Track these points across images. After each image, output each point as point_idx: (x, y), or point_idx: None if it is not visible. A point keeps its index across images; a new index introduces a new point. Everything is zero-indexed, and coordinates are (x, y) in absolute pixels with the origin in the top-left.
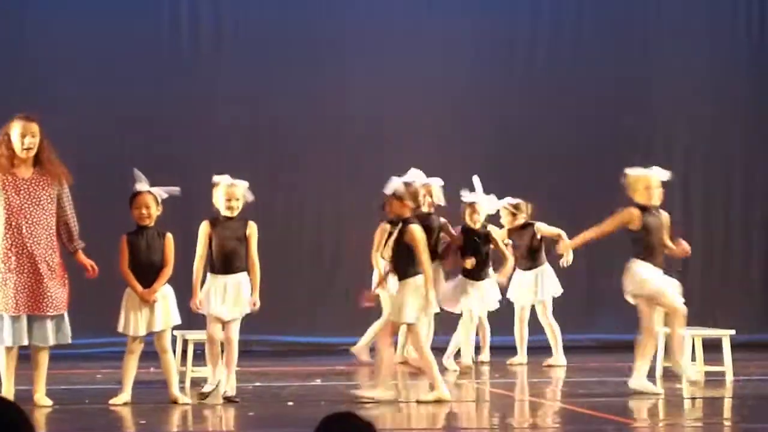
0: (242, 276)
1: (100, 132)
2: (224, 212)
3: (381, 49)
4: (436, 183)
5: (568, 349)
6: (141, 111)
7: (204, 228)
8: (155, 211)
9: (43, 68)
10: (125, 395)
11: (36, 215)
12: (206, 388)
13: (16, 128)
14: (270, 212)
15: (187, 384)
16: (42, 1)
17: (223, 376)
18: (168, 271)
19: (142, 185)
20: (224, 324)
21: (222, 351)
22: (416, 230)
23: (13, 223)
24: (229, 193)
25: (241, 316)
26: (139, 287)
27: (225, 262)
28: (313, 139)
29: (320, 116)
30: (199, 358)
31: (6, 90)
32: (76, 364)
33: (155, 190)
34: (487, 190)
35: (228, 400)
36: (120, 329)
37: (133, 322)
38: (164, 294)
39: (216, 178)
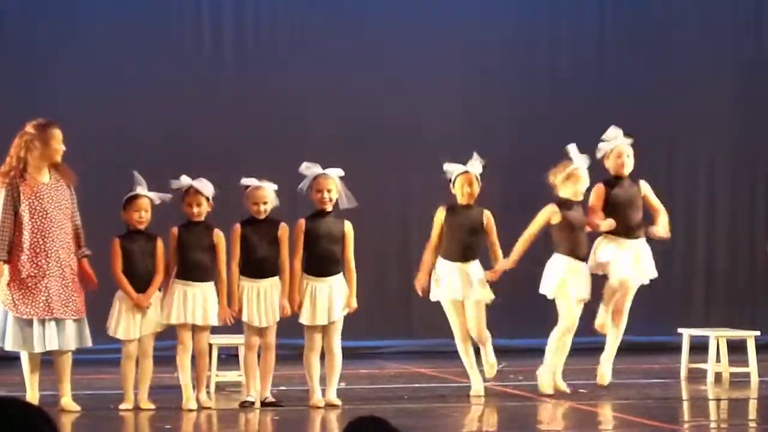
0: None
1: (117, 135)
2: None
3: (405, 49)
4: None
5: (593, 351)
6: (159, 114)
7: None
8: (150, 215)
9: (60, 70)
10: (129, 399)
11: (58, 219)
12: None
13: (55, 135)
14: (291, 216)
15: (212, 388)
16: (59, 2)
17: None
18: (161, 275)
19: (142, 189)
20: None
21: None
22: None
23: (39, 229)
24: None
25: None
26: (134, 293)
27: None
28: (337, 140)
29: (345, 116)
30: (223, 362)
31: (22, 91)
32: (100, 369)
33: (151, 194)
34: (509, 191)
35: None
36: (110, 333)
37: (124, 325)
38: (155, 299)
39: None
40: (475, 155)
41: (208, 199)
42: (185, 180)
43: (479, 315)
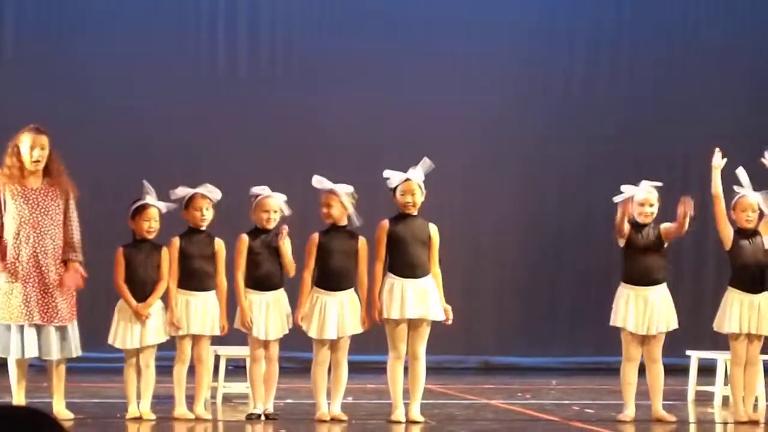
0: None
1: (128, 144)
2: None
3: (414, 68)
4: None
5: (600, 371)
6: (173, 128)
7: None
8: (159, 225)
9: (83, 84)
10: (133, 408)
11: (44, 225)
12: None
13: (26, 140)
14: (302, 225)
15: (218, 400)
16: (74, 16)
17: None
18: (164, 285)
19: (151, 198)
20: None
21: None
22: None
23: (22, 233)
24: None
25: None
26: (133, 301)
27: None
28: (349, 156)
29: (357, 131)
30: (231, 374)
31: (41, 103)
32: (109, 377)
33: (159, 204)
34: (520, 210)
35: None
36: (110, 341)
37: (122, 335)
38: (156, 309)
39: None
40: (424, 161)
41: (213, 205)
42: (184, 190)
43: (425, 336)
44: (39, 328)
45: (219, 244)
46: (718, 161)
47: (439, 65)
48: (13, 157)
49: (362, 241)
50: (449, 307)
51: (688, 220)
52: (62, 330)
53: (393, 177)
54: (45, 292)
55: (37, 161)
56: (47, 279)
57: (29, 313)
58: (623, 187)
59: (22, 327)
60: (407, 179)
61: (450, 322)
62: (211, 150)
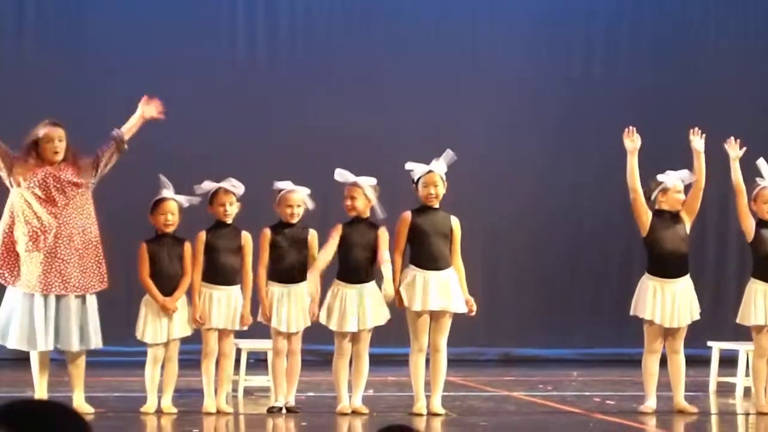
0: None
1: (154, 139)
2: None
3: (433, 59)
4: None
5: (621, 363)
6: (197, 121)
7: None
8: (178, 218)
9: (101, 76)
10: (152, 401)
11: (66, 198)
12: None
13: (44, 133)
14: (320, 219)
15: (240, 393)
16: (102, 6)
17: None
18: (188, 279)
19: (168, 191)
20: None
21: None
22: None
23: (44, 206)
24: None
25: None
26: (160, 296)
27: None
28: (366, 149)
29: (376, 127)
30: (252, 367)
31: (67, 94)
32: (131, 371)
33: (179, 197)
34: (539, 201)
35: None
36: (138, 337)
37: (151, 329)
38: (181, 303)
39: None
40: (447, 153)
41: (237, 199)
42: (209, 184)
43: (447, 328)
44: (57, 320)
45: (246, 238)
46: (736, 152)
47: (457, 56)
48: (31, 150)
49: (381, 230)
50: (472, 299)
51: (702, 159)
52: (83, 323)
53: (416, 169)
54: (67, 262)
55: (56, 152)
56: (68, 251)
57: (50, 284)
58: (659, 177)
59: (46, 322)
60: (430, 171)
61: (474, 313)
62: (232, 144)
